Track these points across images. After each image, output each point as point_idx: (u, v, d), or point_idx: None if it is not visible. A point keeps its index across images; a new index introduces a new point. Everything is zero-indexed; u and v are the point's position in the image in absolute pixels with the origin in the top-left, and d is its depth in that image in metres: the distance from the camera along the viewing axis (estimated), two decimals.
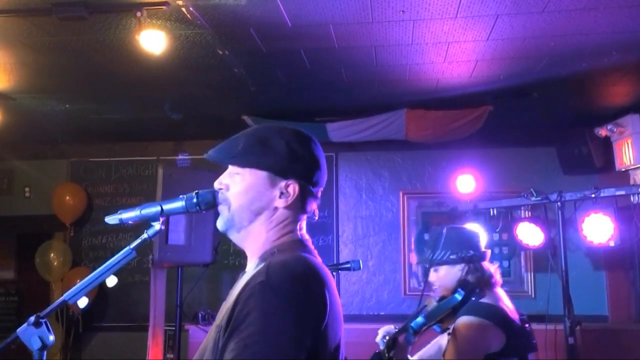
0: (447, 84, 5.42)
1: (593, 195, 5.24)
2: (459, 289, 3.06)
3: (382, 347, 3.09)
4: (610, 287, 6.87)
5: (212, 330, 1.66)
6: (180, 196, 1.84)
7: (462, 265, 3.30)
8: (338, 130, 6.22)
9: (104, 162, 7.75)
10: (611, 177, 6.39)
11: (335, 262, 6.73)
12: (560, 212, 5.34)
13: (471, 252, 3.32)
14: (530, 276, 6.97)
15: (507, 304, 3.27)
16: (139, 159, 7.72)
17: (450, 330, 3.12)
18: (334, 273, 4.53)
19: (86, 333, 7.43)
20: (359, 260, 4.00)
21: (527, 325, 3.35)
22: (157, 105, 5.98)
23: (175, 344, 5.66)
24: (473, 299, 3.09)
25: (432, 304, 3.21)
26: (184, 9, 3.83)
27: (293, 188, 1.77)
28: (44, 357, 1.71)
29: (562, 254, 5.30)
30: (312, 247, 1.83)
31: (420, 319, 2.97)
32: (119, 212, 1.86)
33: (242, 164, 1.80)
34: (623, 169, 6.03)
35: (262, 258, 1.74)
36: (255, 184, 1.78)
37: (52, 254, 7.32)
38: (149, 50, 3.99)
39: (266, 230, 1.80)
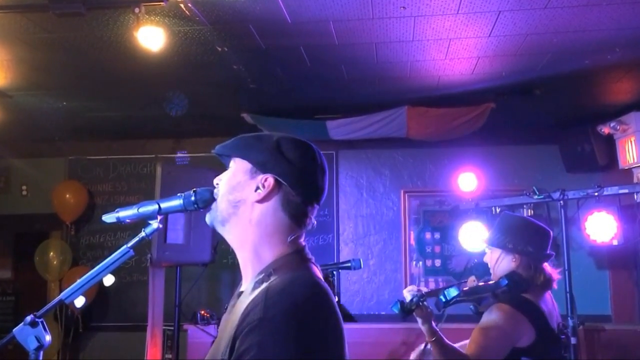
0: (449, 81, 5.41)
1: (596, 194, 5.18)
2: (505, 277, 3.07)
3: (408, 298, 3.05)
4: (614, 287, 6.86)
5: (215, 355, 1.62)
6: (179, 194, 1.82)
7: (517, 256, 3.23)
8: (338, 128, 6.20)
9: (102, 160, 7.74)
10: (614, 175, 6.37)
11: (335, 261, 6.72)
12: (562, 210, 5.29)
13: (531, 248, 3.24)
14: None
15: (549, 307, 3.22)
16: (137, 157, 7.71)
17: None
18: (334, 272, 4.50)
19: (84, 333, 7.40)
20: (359, 259, 3.99)
21: (562, 336, 3.32)
22: (155, 103, 5.96)
23: (174, 344, 5.62)
24: (516, 291, 3.10)
25: (473, 282, 3.21)
26: (182, 5, 3.81)
27: (268, 182, 1.71)
28: (41, 357, 1.70)
29: (565, 253, 5.25)
30: (309, 256, 1.76)
31: (454, 290, 2.97)
32: (116, 210, 1.85)
33: (230, 153, 1.81)
34: (626, 167, 6.02)
35: (259, 280, 1.66)
36: (237, 173, 1.76)
37: (51, 253, 7.29)
38: (147, 47, 3.99)
39: (249, 232, 1.73)
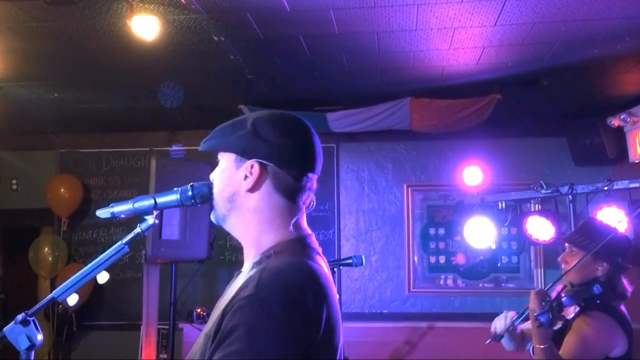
0: (453, 72, 5.38)
1: (606, 188, 5.18)
2: (597, 285, 3.06)
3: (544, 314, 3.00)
4: None
5: (201, 337, 1.60)
6: (175, 189, 1.81)
7: (605, 265, 3.24)
8: (339, 120, 6.16)
9: (95, 153, 7.68)
10: (624, 168, 6.33)
11: (336, 258, 6.69)
12: (571, 205, 5.33)
13: (619, 259, 3.27)
14: (540, 272, 6.90)
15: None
16: (130, 150, 7.66)
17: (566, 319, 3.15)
18: (335, 269, 4.44)
19: (77, 332, 7.35)
20: (361, 256, 4.00)
21: None
22: (149, 94, 5.93)
23: (169, 343, 5.58)
24: (606, 299, 3.15)
25: (568, 286, 3.22)
26: None
27: (254, 168, 1.68)
28: (32, 357, 1.68)
29: None
30: (315, 245, 1.74)
31: (568, 298, 3.03)
32: (110, 205, 1.84)
33: (212, 146, 1.78)
34: (637, 160, 5.96)
35: (258, 262, 1.65)
36: (226, 167, 1.74)
37: (46, 249, 7.24)
38: (141, 37, 4.00)
39: (250, 221, 1.72)
